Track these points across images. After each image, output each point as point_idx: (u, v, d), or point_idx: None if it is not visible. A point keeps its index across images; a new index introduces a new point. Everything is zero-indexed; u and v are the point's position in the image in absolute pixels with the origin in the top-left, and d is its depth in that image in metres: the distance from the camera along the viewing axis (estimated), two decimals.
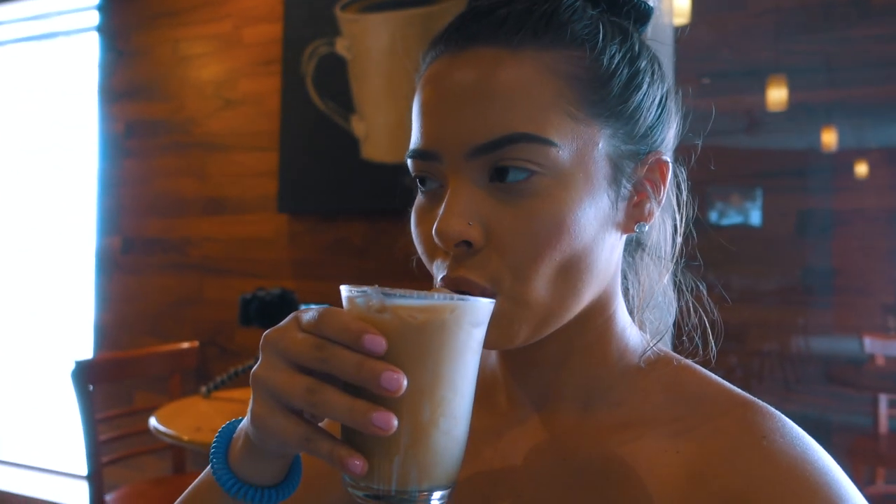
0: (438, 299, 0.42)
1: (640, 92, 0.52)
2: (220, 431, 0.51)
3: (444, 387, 0.42)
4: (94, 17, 3.17)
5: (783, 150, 3.58)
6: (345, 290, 0.44)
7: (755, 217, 3.54)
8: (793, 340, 3.47)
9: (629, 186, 0.52)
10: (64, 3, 3.38)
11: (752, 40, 3.45)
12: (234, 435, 0.50)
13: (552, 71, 0.49)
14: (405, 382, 0.39)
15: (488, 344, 0.51)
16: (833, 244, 3.51)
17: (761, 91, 3.42)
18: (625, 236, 0.55)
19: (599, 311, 0.55)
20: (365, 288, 0.43)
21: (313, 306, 1.52)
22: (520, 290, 0.49)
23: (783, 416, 0.52)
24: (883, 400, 3.13)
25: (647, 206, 0.54)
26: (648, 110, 0.53)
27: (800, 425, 0.51)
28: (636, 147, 0.52)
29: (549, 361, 0.56)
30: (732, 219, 3.55)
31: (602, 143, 0.50)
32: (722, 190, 3.53)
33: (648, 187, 0.54)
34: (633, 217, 0.53)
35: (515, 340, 0.51)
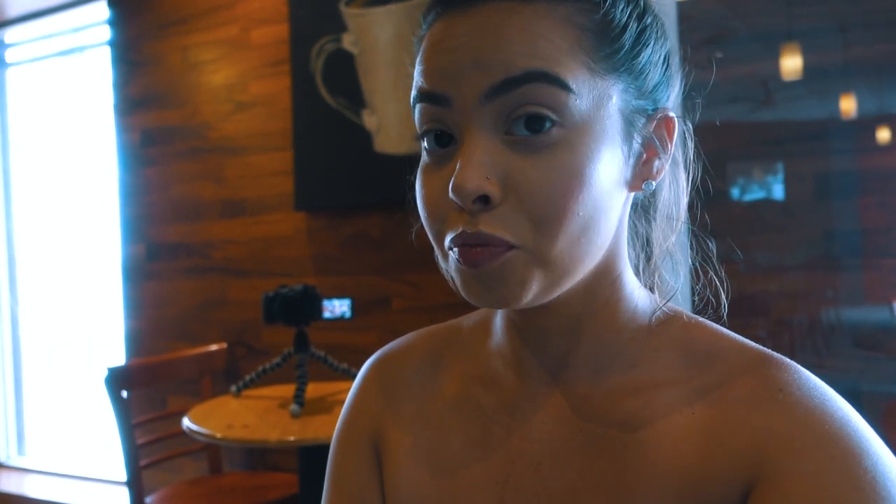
0: None
1: (648, 48, 0.52)
2: None
3: None
4: (106, 32, 3.22)
5: (802, 119, 3.52)
6: None
7: (778, 190, 3.50)
8: (821, 308, 3.43)
9: (640, 143, 0.52)
10: (75, 21, 3.44)
11: (761, 6, 3.39)
12: None
13: (570, 21, 0.47)
14: None
15: (494, 303, 0.49)
16: (857, 211, 3.46)
17: (775, 60, 3.37)
18: (631, 196, 0.55)
19: (607, 273, 0.54)
20: None
21: (336, 301, 1.54)
22: (543, 246, 0.47)
23: (799, 366, 0.51)
24: None
25: (656, 163, 0.53)
26: (655, 66, 0.53)
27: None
28: (647, 103, 0.52)
29: (558, 330, 0.55)
30: (755, 193, 3.52)
31: (616, 97, 0.49)
32: (742, 164, 3.48)
33: (658, 144, 0.53)
34: (641, 175, 0.53)
35: (524, 299, 0.49)
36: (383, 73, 2.50)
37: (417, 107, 0.50)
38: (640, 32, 0.51)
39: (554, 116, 0.46)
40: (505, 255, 0.47)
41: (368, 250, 2.55)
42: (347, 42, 2.55)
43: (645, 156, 0.53)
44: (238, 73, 2.83)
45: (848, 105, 3.49)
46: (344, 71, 2.55)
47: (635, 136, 0.51)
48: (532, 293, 0.49)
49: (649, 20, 0.52)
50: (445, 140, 0.50)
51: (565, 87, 0.46)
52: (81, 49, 3.57)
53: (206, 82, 2.91)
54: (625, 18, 0.50)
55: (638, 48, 0.51)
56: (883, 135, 3.48)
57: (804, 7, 3.37)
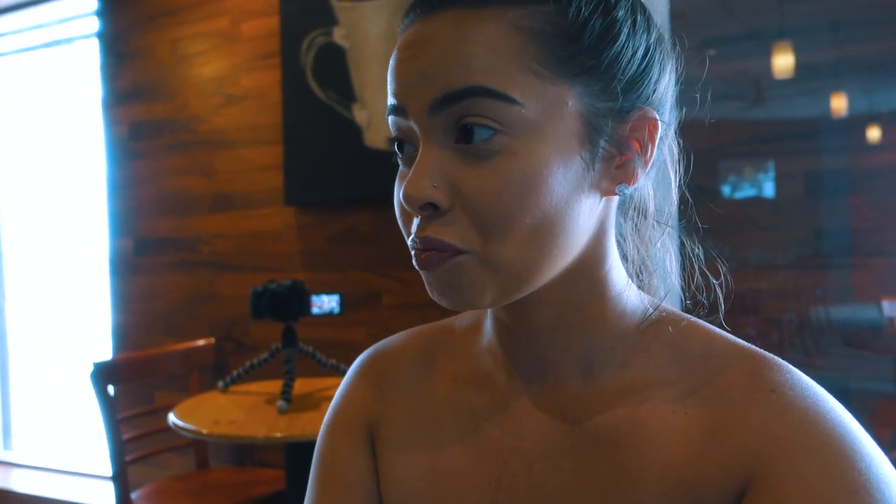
0: None
1: (616, 44, 0.49)
2: None
3: None
4: (94, 24, 3.18)
5: (793, 118, 3.53)
6: None
7: (768, 188, 3.51)
8: (810, 307, 3.44)
9: (608, 146, 0.50)
10: (63, 12, 3.40)
11: (753, 4, 3.39)
12: None
13: (516, 27, 0.47)
14: None
15: (455, 304, 0.50)
16: (847, 209, 3.48)
17: (767, 58, 3.37)
18: (612, 199, 0.54)
19: (589, 274, 0.53)
20: None
21: (325, 296, 1.53)
22: (489, 251, 0.48)
23: (791, 366, 0.51)
24: None
25: (632, 166, 0.51)
26: (629, 63, 0.50)
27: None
28: (616, 104, 0.50)
29: (544, 329, 0.55)
30: (746, 191, 3.53)
31: (572, 102, 0.48)
32: (734, 162, 3.49)
33: (633, 147, 0.51)
34: (615, 179, 0.51)
35: (481, 302, 0.50)
36: (374, 68, 2.49)
37: (389, 121, 0.52)
38: (606, 29, 0.49)
39: (496, 126, 0.46)
40: (452, 259, 0.48)
41: (358, 246, 2.54)
42: (338, 36, 2.53)
43: (619, 158, 0.51)
44: (228, 65, 2.81)
45: (839, 104, 3.50)
46: (335, 65, 2.53)
47: (600, 139, 0.49)
48: (489, 296, 0.50)
49: (619, 14, 0.50)
50: (410, 147, 0.52)
51: (506, 99, 0.46)
52: (69, 40, 3.54)
53: (196, 75, 2.89)
54: (583, 17, 0.48)
55: (602, 46, 0.49)
56: (873, 134, 3.50)
57: (796, 5, 3.37)
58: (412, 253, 0.51)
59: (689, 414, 0.50)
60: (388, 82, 0.51)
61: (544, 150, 0.47)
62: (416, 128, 0.49)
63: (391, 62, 0.51)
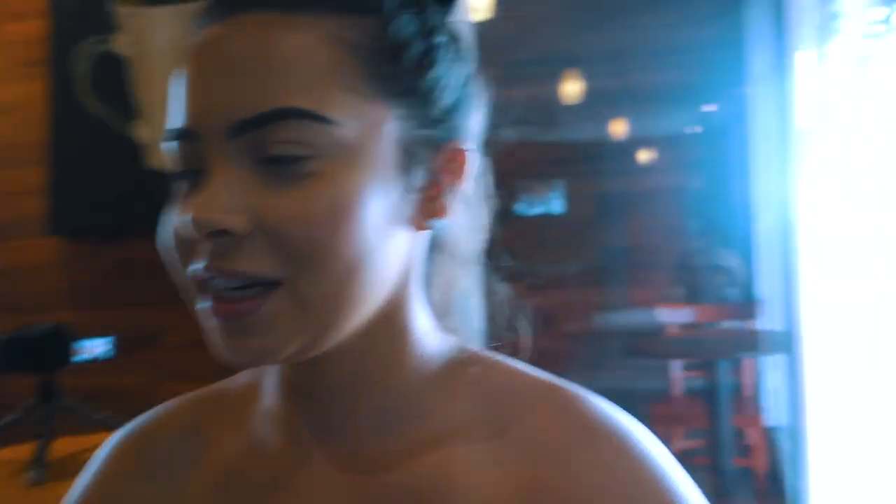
0: None
1: (435, 70, 0.48)
2: None
3: None
4: None
5: (580, 140, 3.85)
6: None
7: (557, 206, 3.80)
8: (596, 319, 3.75)
9: (423, 177, 0.48)
10: None
11: (548, 31, 3.63)
12: None
13: (334, 38, 0.43)
14: None
15: (247, 359, 0.44)
16: (627, 225, 3.86)
17: (557, 84, 3.63)
18: (423, 235, 0.50)
19: (391, 317, 0.49)
20: None
21: (93, 339, 1.31)
22: (301, 284, 0.42)
23: (593, 395, 0.51)
24: (675, 365, 3.37)
25: (444, 200, 0.49)
26: (446, 93, 0.49)
27: (607, 398, 0.52)
28: (431, 132, 0.48)
29: (339, 385, 0.50)
30: (537, 209, 3.79)
31: (391, 125, 0.45)
32: (526, 182, 3.74)
33: (445, 179, 0.49)
34: (426, 213, 0.48)
35: (283, 352, 0.43)
36: (162, 82, 2.28)
37: (166, 148, 0.45)
38: (427, 52, 0.47)
39: (308, 151, 0.42)
40: (266, 302, 0.42)
41: (138, 279, 2.33)
42: (119, 44, 2.33)
43: (432, 191, 0.48)
44: None
45: (619, 128, 3.86)
46: (114, 77, 2.32)
47: (416, 169, 0.47)
48: (295, 344, 0.43)
49: (440, 40, 0.49)
50: (193, 174, 0.45)
51: (321, 120, 0.42)
52: None
53: None
54: (406, 36, 0.46)
55: (422, 70, 0.47)
56: (646, 157, 3.90)
57: (585, 35, 3.63)
58: (204, 303, 0.44)
59: (502, 463, 0.48)
60: (172, 100, 0.45)
61: (361, 175, 0.43)
62: (206, 152, 0.43)
63: (177, 75, 0.45)
